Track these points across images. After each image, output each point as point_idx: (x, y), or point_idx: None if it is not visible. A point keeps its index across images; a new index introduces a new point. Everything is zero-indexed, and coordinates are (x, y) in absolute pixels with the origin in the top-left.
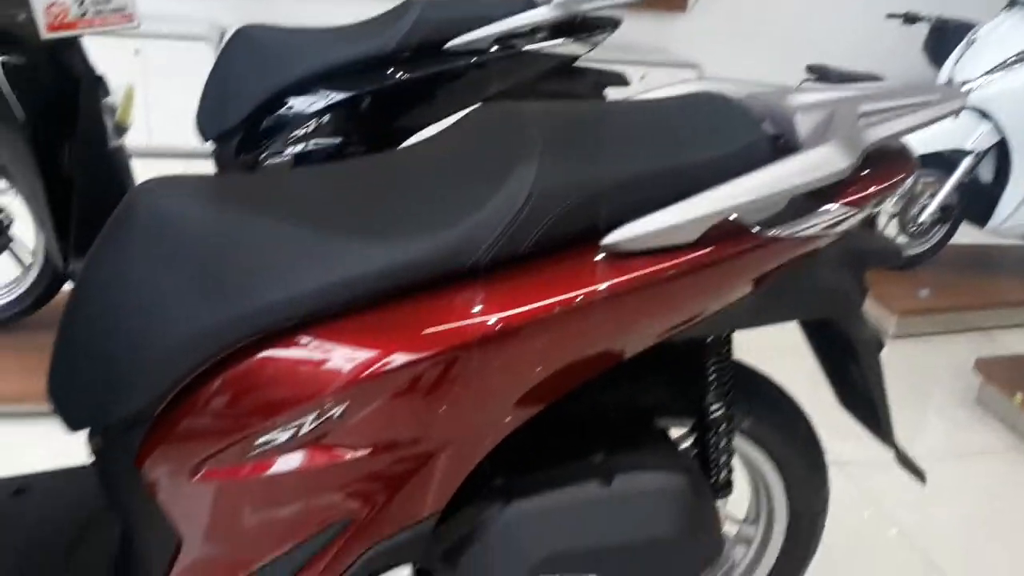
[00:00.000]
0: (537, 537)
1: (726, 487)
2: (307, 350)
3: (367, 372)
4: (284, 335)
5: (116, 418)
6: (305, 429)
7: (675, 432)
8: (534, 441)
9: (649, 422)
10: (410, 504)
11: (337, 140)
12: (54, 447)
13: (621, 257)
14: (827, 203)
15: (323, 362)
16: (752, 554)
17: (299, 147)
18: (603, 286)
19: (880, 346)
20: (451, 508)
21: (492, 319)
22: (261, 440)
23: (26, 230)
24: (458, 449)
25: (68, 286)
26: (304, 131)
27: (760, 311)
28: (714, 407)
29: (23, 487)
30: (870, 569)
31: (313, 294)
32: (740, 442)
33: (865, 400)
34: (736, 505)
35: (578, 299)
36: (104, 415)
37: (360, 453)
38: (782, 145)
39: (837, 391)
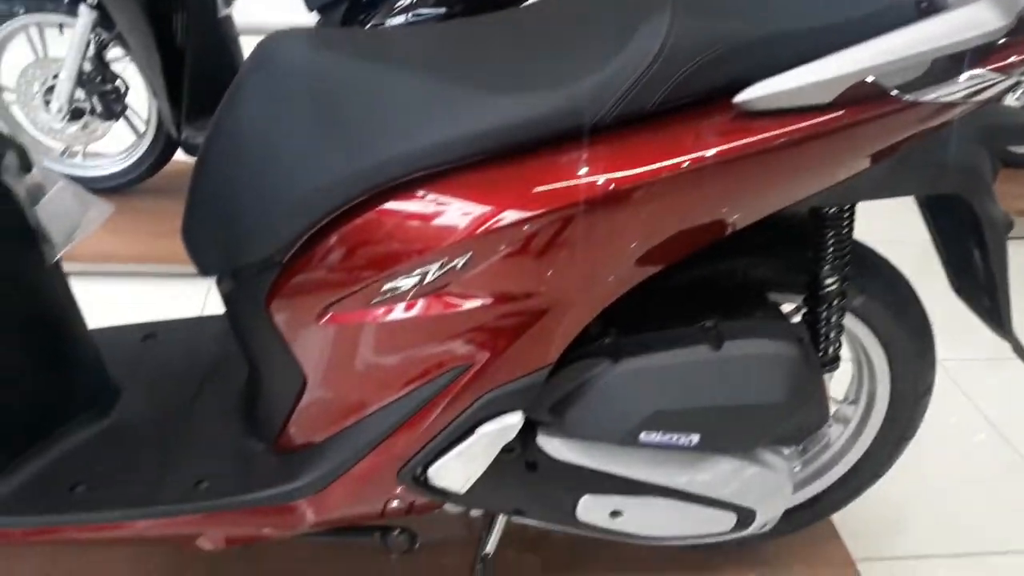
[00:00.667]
0: (644, 394)
1: (834, 361)
2: (432, 202)
3: (489, 225)
4: (409, 186)
5: (246, 264)
6: (429, 278)
7: (785, 308)
8: (645, 304)
9: (760, 294)
10: (524, 354)
11: (441, 10)
12: (171, 303)
13: (751, 117)
14: (973, 68)
15: (448, 214)
16: (848, 434)
17: (402, 17)
18: (731, 146)
19: (1010, 226)
20: (563, 362)
21: (613, 178)
22: (386, 287)
23: (140, 99)
24: (572, 305)
25: (180, 153)
26: (408, 1)
27: (887, 182)
28: (828, 281)
29: (151, 333)
30: (959, 462)
31: (437, 147)
32: (849, 321)
33: (984, 287)
34: (836, 385)
35: (704, 159)
36: (234, 261)
37: (480, 303)
38: (926, 7)
39: (953, 277)
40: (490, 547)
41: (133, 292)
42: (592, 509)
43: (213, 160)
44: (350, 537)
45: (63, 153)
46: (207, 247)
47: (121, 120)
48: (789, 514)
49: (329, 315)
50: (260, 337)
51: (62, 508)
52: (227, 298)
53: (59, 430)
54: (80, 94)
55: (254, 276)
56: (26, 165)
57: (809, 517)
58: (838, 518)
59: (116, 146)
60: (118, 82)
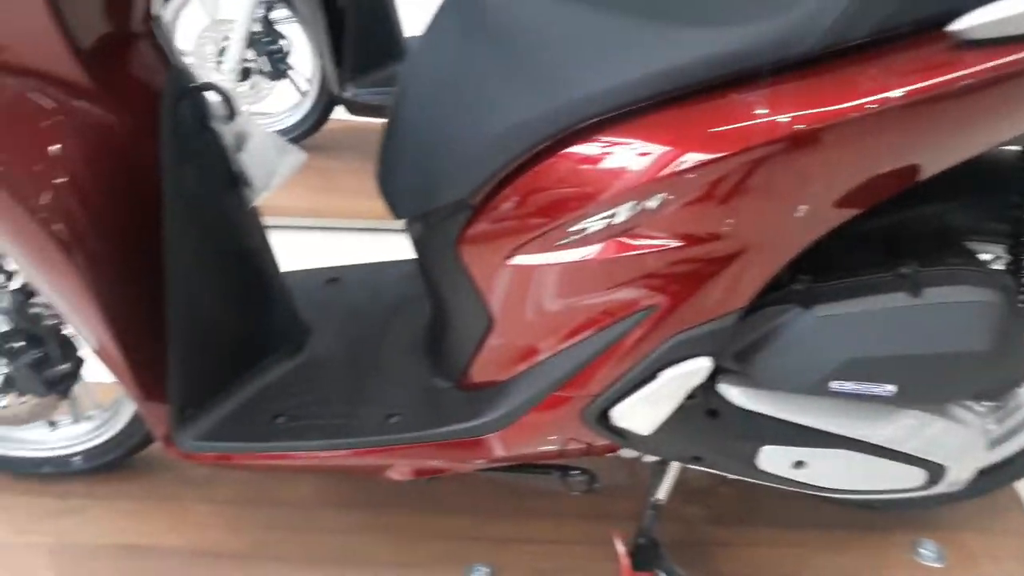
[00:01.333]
0: (838, 342)
1: None
2: (624, 142)
3: (684, 165)
4: (601, 126)
5: (438, 207)
6: (619, 219)
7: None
8: (836, 251)
9: (958, 242)
10: (713, 298)
11: None
12: (332, 256)
13: (966, 48)
14: None
15: (641, 154)
16: None
17: None
18: (943, 79)
19: None
20: (753, 307)
21: (815, 115)
22: (574, 228)
23: (303, 59)
24: (764, 249)
25: (340, 111)
26: None
27: None
28: None
29: (334, 277)
30: None
31: (636, 83)
32: None
33: None
34: None
35: (912, 95)
36: (427, 204)
37: (671, 245)
38: None
39: None
40: (662, 494)
41: (296, 244)
42: (774, 459)
43: (408, 105)
44: (529, 474)
45: None
46: (401, 191)
47: (285, 80)
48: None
49: (517, 256)
50: (449, 279)
51: (266, 436)
52: (417, 241)
53: (260, 363)
54: (249, 54)
55: (445, 219)
56: (231, 113)
57: (992, 483)
58: (1022, 486)
59: (279, 105)
60: (283, 42)
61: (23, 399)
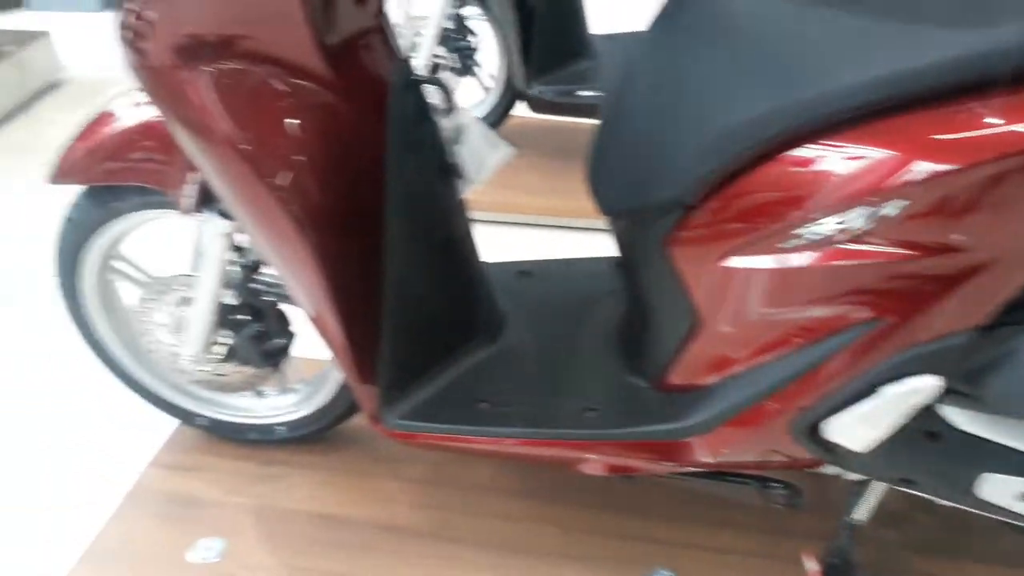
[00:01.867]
0: None
1: None
2: (863, 143)
3: (928, 172)
4: (833, 128)
5: (649, 205)
6: (850, 225)
7: None
8: None
9: None
10: (948, 314)
11: None
12: (515, 250)
13: None
14: None
15: (878, 158)
16: None
17: None
18: None
19: None
20: (990, 326)
21: None
22: (798, 232)
23: (488, 57)
24: (1007, 265)
25: (519, 108)
26: None
27: None
28: None
29: (526, 270)
30: None
31: (871, 84)
32: None
33: None
34: None
35: None
36: (639, 201)
37: (905, 254)
38: None
39: None
40: (861, 515)
41: (499, 237)
42: (997, 488)
43: (624, 104)
44: (724, 482)
45: None
46: (610, 187)
47: (470, 76)
48: None
49: (734, 258)
50: (655, 278)
51: (467, 420)
52: (622, 238)
53: (461, 349)
54: (440, 50)
55: (656, 217)
56: (451, 106)
57: None
58: None
59: (462, 101)
60: (472, 39)
61: (240, 369)
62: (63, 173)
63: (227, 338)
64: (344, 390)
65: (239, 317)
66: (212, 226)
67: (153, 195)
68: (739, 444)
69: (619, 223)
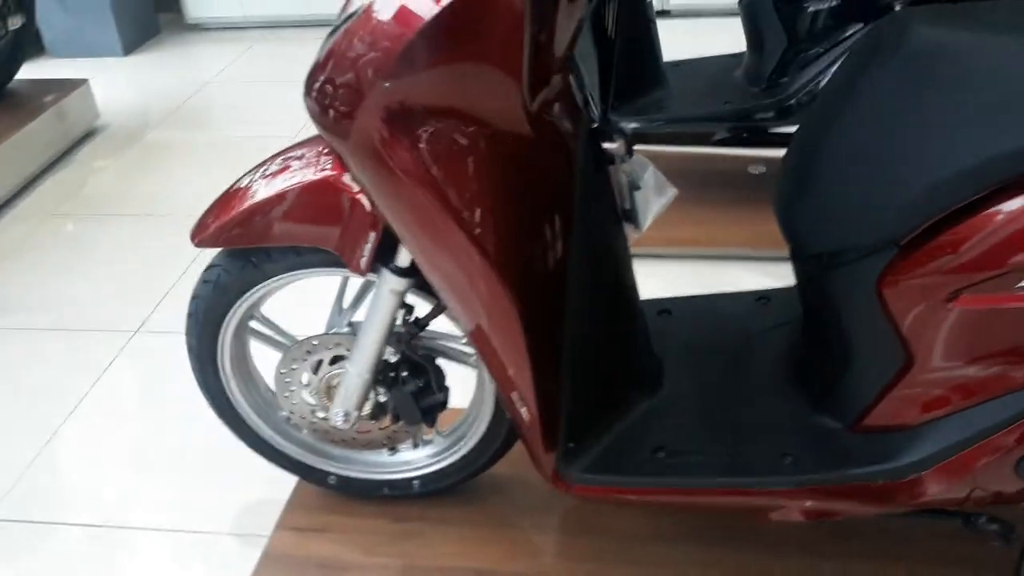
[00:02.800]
0: None
1: None
2: None
3: None
4: None
5: (864, 243)
6: None
7: None
8: None
9: None
10: None
11: None
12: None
13: None
14: None
15: None
16: None
17: None
18: None
19: None
20: None
21: None
22: None
23: None
24: None
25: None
26: None
27: None
28: None
29: (665, 308)
30: None
31: None
32: None
33: None
34: None
35: None
36: (848, 240)
37: None
38: None
39: None
40: None
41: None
42: None
43: (822, 141)
44: (927, 518)
45: None
46: (810, 226)
47: None
48: None
49: (959, 299)
50: (858, 317)
51: (651, 471)
52: (812, 277)
53: (628, 397)
54: None
55: (860, 257)
56: (629, 152)
57: None
58: None
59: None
60: None
61: (387, 425)
62: (213, 235)
63: (382, 395)
64: (484, 442)
65: (399, 374)
66: (388, 283)
67: (309, 255)
68: (953, 483)
69: (809, 263)
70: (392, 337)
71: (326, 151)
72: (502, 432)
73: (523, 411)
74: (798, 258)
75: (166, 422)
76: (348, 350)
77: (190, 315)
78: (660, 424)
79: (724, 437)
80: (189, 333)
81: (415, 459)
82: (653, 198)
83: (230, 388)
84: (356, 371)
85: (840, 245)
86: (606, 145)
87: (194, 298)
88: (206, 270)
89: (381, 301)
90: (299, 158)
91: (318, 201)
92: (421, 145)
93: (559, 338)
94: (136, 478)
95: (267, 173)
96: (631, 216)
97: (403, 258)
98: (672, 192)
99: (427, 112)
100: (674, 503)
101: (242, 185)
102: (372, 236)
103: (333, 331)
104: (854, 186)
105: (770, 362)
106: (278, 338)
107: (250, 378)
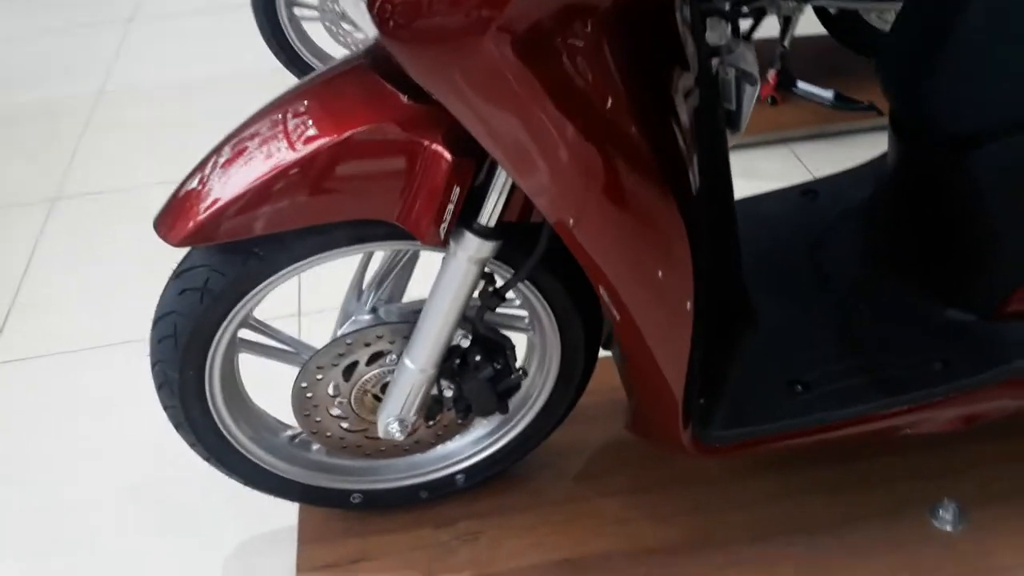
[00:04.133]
0: None
1: None
2: None
3: None
4: None
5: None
6: None
7: None
8: None
9: None
10: None
11: None
12: None
13: None
14: None
15: None
16: None
17: None
18: None
19: None
20: None
21: None
22: None
23: None
24: None
25: None
26: None
27: None
28: None
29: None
30: None
31: None
32: None
33: None
34: None
35: None
36: (996, 115)
37: None
38: None
39: None
40: None
41: None
42: None
43: (949, 14)
44: None
45: None
46: (942, 104)
47: None
48: None
49: None
50: (1007, 196)
51: (791, 410)
52: (936, 160)
53: (735, 332)
54: None
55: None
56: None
57: None
58: None
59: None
60: None
61: (446, 421)
62: (206, 227)
63: (447, 388)
64: (543, 416)
65: (470, 359)
66: (468, 250)
67: (336, 232)
68: None
69: (939, 146)
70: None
71: (341, 99)
72: (567, 400)
73: (666, 381)
74: (921, 142)
75: None
76: (392, 343)
77: (161, 340)
78: (781, 358)
79: (857, 356)
80: (162, 363)
81: (457, 450)
82: (750, 93)
83: (223, 422)
84: (418, 366)
85: (993, 121)
86: (709, 34)
87: (164, 316)
88: (179, 276)
89: (458, 273)
90: (305, 113)
91: (366, 162)
92: (558, 50)
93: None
94: None
95: (266, 137)
96: (733, 119)
97: (489, 214)
98: (757, 85)
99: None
100: (824, 440)
101: (231, 157)
102: (456, 193)
103: (371, 321)
104: (1012, 59)
105: (860, 262)
106: (280, 346)
107: (242, 401)
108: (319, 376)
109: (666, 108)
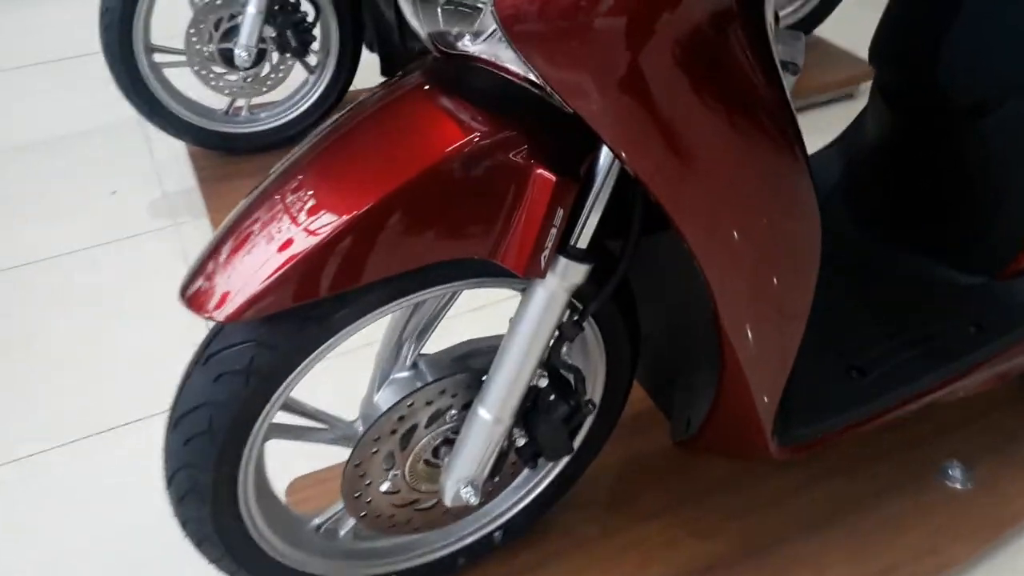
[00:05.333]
0: None
1: None
2: None
3: None
4: None
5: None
6: None
7: None
8: None
9: None
10: None
11: None
12: None
13: None
14: None
15: None
16: None
17: None
18: None
19: None
20: None
21: None
22: None
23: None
24: None
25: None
26: None
27: None
28: None
29: None
30: None
31: None
32: None
33: None
34: None
35: None
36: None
37: None
38: None
39: None
40: None
41: None
42: None
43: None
44: None
45: (227, 111)
46: (951, 74)
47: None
48: None
49: None
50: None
51: (859, 397)
52: (943, 128)
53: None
54: (268, 30)
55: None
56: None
57: None
58: None
59: (277, 93)
60: (304, 11)
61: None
62: (270, 295)
63: (520, 436)
64: (583, 451)
65: (543, 399)
66: (562, 277)
67: (409, 278)
68: None
69: (946, 115)
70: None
71: (412, 125)
72: (605, 432)
73: (766, 388)
74: (918, 110)
75: None
76: (454, 396)
77: (189, 441)
78: (833, 346)
79: (900, 331)
80: (191, 468)
81: (493, 505)
82: (790, 82)
83: (255, 526)
84: (494, 415)
85: (1002, 86)
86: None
87: (193, 411)
88: (211, 359)
89: (550, 304)
90: (368, 146)
91: (452, 194)
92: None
93: None
94: None
95: (318, 181)
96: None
97: (581, 234)
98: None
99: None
100: (887, 422)
101: (275, 210)
102: (559, 216)
103: (417, 376)
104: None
105: (861, 236)
106: (316, 425)
107: (271, 498)
108: (374, 450)
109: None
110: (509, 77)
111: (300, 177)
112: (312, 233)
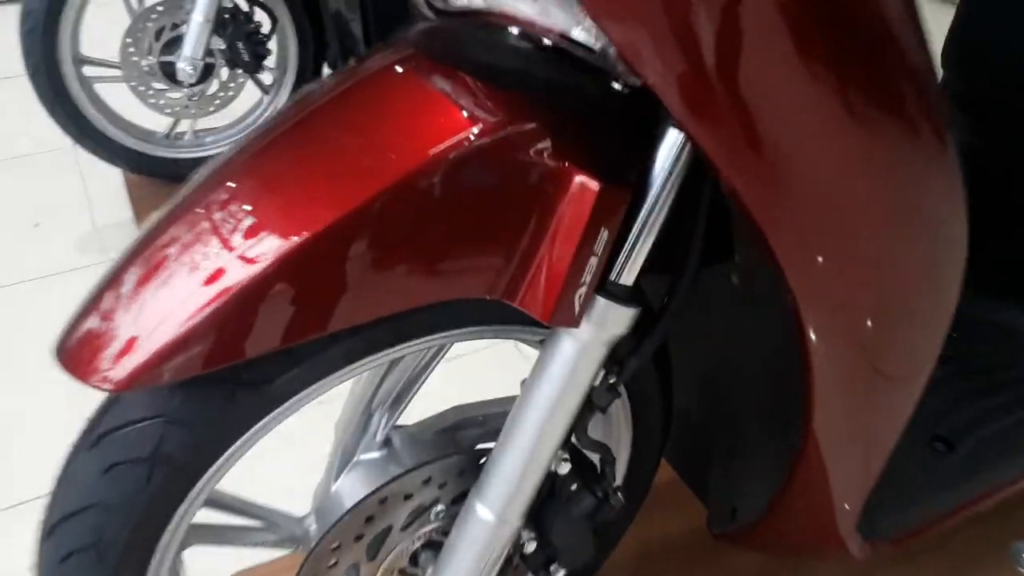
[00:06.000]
0: None
1: None
2: None
3: None
4: None
5: None
6: None
7: None
8: None
9: None
10: None
11: None
12: None
13: None
14: None
15: None
16: None
17: None
18: None
19: None
20: None
21: None
22: None
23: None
24: None
25: None
26: None
27: None
28: None
29: None
30: None
31: None
32: None
33: None
34: None
35: None
36: None
37: None
38: None
39: None
40: None
41: None
42: None
43: None
44: None
45: (168, 134)
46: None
47: (256, 73)
48: None
49: None
50: None
51: (951, 479)
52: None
53: None
54: (217, 41)
55: None
56: None
57: None
58: None
59: (223, 117)
60: (259, 19)
61: None
62: (182, 352)
63: (529, 539)
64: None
65: (564, 489)
66: (603, 324)
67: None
68: None
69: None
70: None
71: (402, 103)
72: (629, 517)
73: (851, 480)
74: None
75: None
76: (442, 486)
77: (67, 558)
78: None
79: (993, 392)
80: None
81: None
82: None
83: None
84: (496, 515)
85: None
86: None
87: (76, 514)
88: (100, 441)
89: (581, 361)
90: (344, 129)
91: (445, 211)
92: None
93: None
94: None
95: (260, 186)
96: None
97: (626, 268)
98: None
99: None
100: (983, 509)
101: (193, 237)
102: (603, 239)
103: (391, 457)
104: None
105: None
106: (250, 523)
107: None
108: (332, 561)
109: None
110: (535, 42)
111: (234, 186)
112: (250, 261)
